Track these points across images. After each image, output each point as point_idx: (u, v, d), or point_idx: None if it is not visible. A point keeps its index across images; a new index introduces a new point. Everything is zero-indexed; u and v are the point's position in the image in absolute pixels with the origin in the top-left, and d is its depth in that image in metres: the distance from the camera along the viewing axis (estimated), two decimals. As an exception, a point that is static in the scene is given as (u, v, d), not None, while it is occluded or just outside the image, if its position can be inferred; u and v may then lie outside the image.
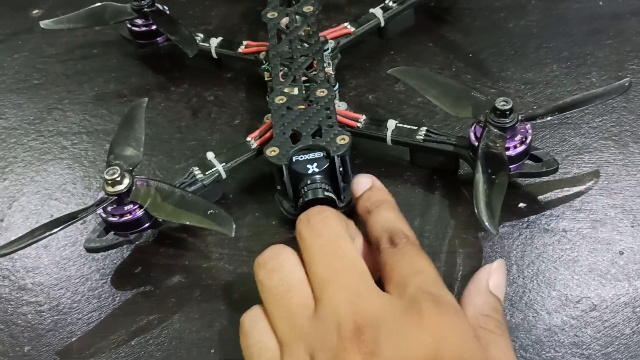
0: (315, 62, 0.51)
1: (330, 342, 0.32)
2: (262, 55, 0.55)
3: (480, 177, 0.42)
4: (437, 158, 0.49)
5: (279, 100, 0.48)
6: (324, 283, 0.35)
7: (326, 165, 0.44)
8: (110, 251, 0.47)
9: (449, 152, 0.47)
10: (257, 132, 0.49)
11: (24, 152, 0.57)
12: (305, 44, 0.53)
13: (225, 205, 0.49)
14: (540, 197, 0.47)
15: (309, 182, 0.44)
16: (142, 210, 0.44)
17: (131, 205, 0.44)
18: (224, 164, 0.48)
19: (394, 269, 0.36)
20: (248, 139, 0.49)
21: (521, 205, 0.47)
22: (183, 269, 0.47)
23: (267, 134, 0.48)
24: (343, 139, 0.45)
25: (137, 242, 0.47)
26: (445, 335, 0.32)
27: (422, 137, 0.47)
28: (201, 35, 0.59)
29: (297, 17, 0.55)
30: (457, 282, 0.43)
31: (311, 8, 0.55)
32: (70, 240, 0.49)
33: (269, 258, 0.37)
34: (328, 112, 0.47)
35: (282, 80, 0.50)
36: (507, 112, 0.43)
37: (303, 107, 0.48)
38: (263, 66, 0.54)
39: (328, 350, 0.32)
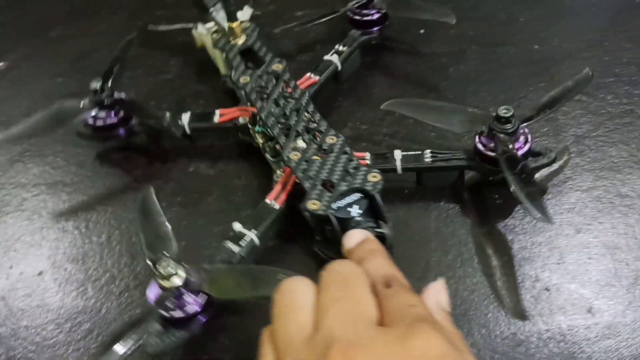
0: (309, 113, 0.53)
1: None
2: (242, 120, 0.56)
3: (513, 179, 0.45)
4: (445, 175, 0.52)
5: (294, 156, 0.49)
6: (325, 309, 0.36)
7: (367, 205, 0.46)
8: (65, 300, 0.49)
9: (458, 166, 0.51)
10: (274, 193, 0.50)
11: (-15, 205, 0.59)
12: (290, 100, 0.54)
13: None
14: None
15: (353, 224, 0.45)
16: (203, 297, 0.43)
17: (191, 295, 0.43)
18: (253, 230, 0.48)
19: (391, 305, 0.37)
20: (267, 201, 0.49)
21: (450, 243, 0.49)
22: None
23: (286, 190, 0.50)
24: (374, 177, 0.47)
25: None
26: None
27: (430, 159, 0.51)
28: (168, 113, 0.59)
29: (268, 76, 0.56)
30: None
31: (280, 66, 0.57)
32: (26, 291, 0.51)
33: (287, 284, 0.38)
34: (347, 155, 0.49)
35: (286, 137, 0.51)
36: (510, 118, 0.48)
37: (319, 157, 0.49)
38: (257, 128, 0.55)
39: None
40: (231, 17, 0.60)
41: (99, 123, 0.58)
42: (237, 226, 0.48)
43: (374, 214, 0.46)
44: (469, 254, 0.49)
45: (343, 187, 0.46)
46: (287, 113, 0.53)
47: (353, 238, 0.45)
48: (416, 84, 0.63)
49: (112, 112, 0.58)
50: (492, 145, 0.49)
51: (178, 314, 0.43)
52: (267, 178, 0.54)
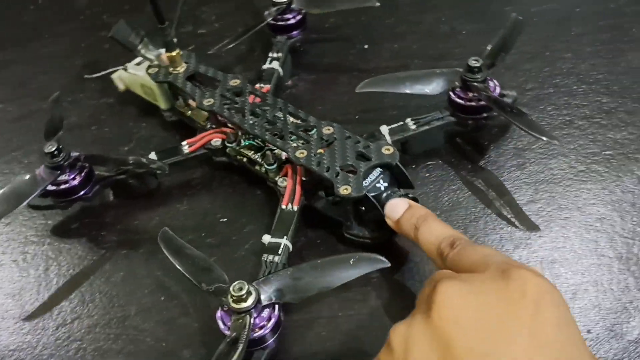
0: (292, 113, 0.54)
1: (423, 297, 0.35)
2: (216, 143, 0.56)
3: (510, 115, 0.50)
4: (431, 138, 0.55)
5: (301, 154, 0.50)
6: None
7: (390, 176, 0.48)
8: (1, 337, 0.48)
9: (441, 125, 0.54)
10: (286, 197, 0.50)
11: None
12: (265, 107, 0.54)
13: (114, 282, 0.51)
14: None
15: (385, 197, 0.47)
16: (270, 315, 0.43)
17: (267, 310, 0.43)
18: (285, 237, 0.48)
19: (468, 261, 0.37)
20: (284, 206, 0.50)
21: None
22: (71, 352, 0.48)
23: (298, 191, 0.51)
24: (388, 149, 0.48)
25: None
26: (545, 300, 0.32)
27: (414, 126, 0.54)
28: (132, 157, 0.55)
29: (230, 93, 0.56)
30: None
31: (238, 81, 0.57)
32: None
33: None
34: (351, 138, 0.50)
35: (281, 139, 0.51)
36: (481, 67, 0.53)
37: (322, 150, 0.50)
38: (246, 142, 0.55)
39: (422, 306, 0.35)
40: (169, 47, 0.58)
41: (64, 187, 0.53)
42: (267, 238, 0.49)
43: (397, 182, 0.49)
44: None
45: (364, 167, 0.47)
46: (270, 119, 0.53)
47: (398, 207, 0.46)
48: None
49: (75, 172, 0.53)
50: (470, 96, 0.53)
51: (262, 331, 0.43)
52: (258, 190, 0.56)
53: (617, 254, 0.48)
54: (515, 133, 0.57)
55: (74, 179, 0.53)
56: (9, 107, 0.70)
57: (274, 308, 0.43)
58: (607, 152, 0.55)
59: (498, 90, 0.54)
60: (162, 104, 0.62)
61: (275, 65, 0.63)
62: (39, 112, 0.68)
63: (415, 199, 0.48)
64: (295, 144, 0.51)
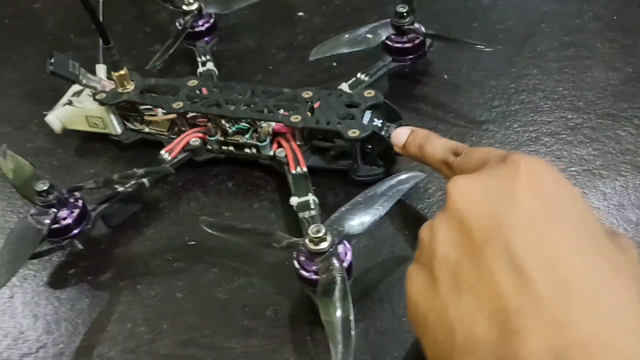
0: (263, 91, 0.57)
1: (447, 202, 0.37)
2: (195, 142, 0.57)
3: (452, 40, 0.64)
4: (381, 85, 0.62)
5: (295, 119, 0.54)
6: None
7: (381, 114, 0.54)
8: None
9: (388, 70, 0.62)
10: (292, 163, 0.55)
11: None
12: (234, 94, 0.57)
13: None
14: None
15: (384, 130, 0.53)
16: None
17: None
18: (310, 194, 0.52)
19: (471, 162, 0.42)
20: (293, 171, 0.54)
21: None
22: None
23: (299, 154, 0.55)
24: (369, 93, 0.55)
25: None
26: (537, 168, 0.35)
27: (367, 78, 0.61)
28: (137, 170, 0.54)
29: (193, 92, 0.58)
30: None
31: (195, 80, 0.59)
32: None
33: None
34: (332, 94, 0.56)
35: (270, 114, 0.55)
36: (408, 11, 0.60)
37: (310, 113, 0.54)
38: (234, 128, 0.57)
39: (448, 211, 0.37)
40: (117, 66, 0.58)
41: (62, 224, 0.50)
42: (294, 199, 0.52)
43: (389, 117, 0.55)
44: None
45: (358, 111, 0.53)
46: (247, 102, 0.56)
47: (402, 134, 0.52)
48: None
49: (70, 207, 0.51)
50: (405, 39, 0.62)
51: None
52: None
53: (583, 271, 0.48)
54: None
55: (71, 213, 0.51)
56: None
57: (345, 244, 0.47)
58: (572, 169, 0.55)
59: (423, 29, 0.62)
60: (115, 129, 0.61)
61: (210, 66, 0.66)
62: (2, 135, 0.67)
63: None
64: (285, 113, 0.55)
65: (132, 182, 0.54)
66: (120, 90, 0.59)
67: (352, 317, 0.41)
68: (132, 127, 0.61)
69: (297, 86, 0.64)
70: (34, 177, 0.51)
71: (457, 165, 0.45)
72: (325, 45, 0.63)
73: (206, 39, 0.70)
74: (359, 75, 0.61)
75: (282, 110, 0.55)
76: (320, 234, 0.44)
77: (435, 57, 0.67)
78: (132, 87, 0.59)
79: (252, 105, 0.56)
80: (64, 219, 0.51)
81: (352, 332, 0.40)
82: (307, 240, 0.44)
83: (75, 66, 0.58)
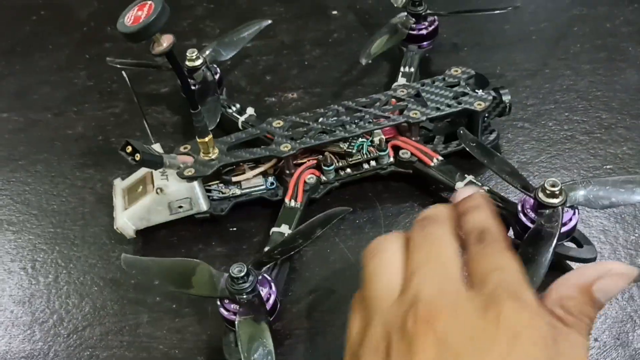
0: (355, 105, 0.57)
1: (405, 323, 0.32)
2: (311, 180, 0.55)
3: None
4: None
5: (414, 114, 0.55)
6: (414, 270, 0.35)
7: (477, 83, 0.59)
8: (12, 344, 0.48)
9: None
10: (424, 156, 0.55)
11: None
12: (330, 118, 0.56)
13: (126, 288, 0.51)
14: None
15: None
16: None
17: None
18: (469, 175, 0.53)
19: (478, 265, 0.35)
20: (434, 161, 0.54)
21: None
22: (84, 359, 0.48)
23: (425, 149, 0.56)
24: (456, 70, 0.59)
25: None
26: (521, 336, 0.31)
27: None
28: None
29: (288, 132, 0.55)
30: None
31: (280, 121, 0.56)
32: None
33: (376, 244, 0.38)
34: (422, 84, 0.58)
35: (387, 120, 0.55)
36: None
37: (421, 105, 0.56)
38: (355, 146, 0.56)
39: (402, 331, 0.32)
40: (203, 133, 0.52)
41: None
42: (460, 184, 0.53)
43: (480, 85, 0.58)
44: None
45: (464, 88, 0.57)
46: (349, 120, 0.56)
47: (461, 194, 0.42)
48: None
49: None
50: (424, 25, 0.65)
51: None
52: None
53: (621, 265, 0.49)
54: (518, 147, 0.58)
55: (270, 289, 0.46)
56: (13, 116, 0.69)
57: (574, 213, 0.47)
58: (608, 167, 0.56)
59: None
60: (202, 206, 0.54)
61: (251, 111, 0.62)
62: (43, 122, 0.68)
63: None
64: (396, 114, 0.55)
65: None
66: (207, 158, 0.53)
67: None
68: (220, 195, 0.55)
69: (334, 82, 0.67)
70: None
71: (470, 252, 0.37)
72: (369, 47, 0.62)
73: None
74: (402, 69, 0.63)
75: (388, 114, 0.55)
76: (555, 189, 0.45)
77: (470, 58, 0.68)
78: (217, 152, 0.53)
79: (360, 120, 0.55)
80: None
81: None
82: (539, 191, 0.45)
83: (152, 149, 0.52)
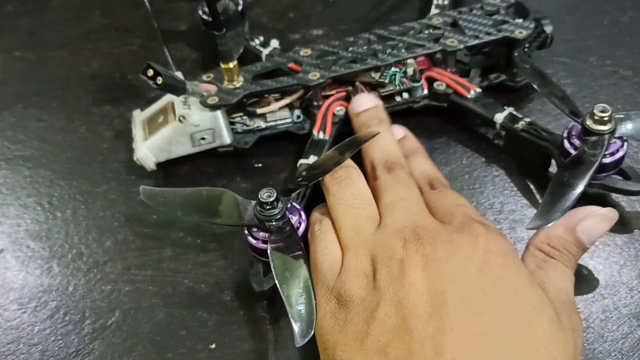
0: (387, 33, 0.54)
1: (391, 246, 0.35)
2: (340, 112, 0.51)
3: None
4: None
5: (451, 42, 0.52)
6: (389, 205, 0.39)
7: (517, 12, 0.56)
8: (29, 279, 0.46)
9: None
10: (460, 88, 0.51)
11: (-62, 183, 0.55)
12: (362, 47, 0.53)
13: (148, 224, 0.49)
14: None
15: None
16: None
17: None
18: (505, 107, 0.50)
19: (440, 205, 0.40)
20: (472, 92, 0.51)
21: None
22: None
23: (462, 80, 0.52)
24: (520, 32, 0.52)
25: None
26: (493, 249, 0.35)
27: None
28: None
29: (317, 60, 0.52)
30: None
31: (309, 51, 0.53)
32: None
33: (344, 176, 0.41)
34: (459, 12, 0.55)
35: (421, 48, 0.52)
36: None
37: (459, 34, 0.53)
38: (387, 76, 0.52)
39: (389, 253, 0.35)
40: (228, 58, 0.49)
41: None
42: (499, 116, 0.50)
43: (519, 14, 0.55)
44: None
45: (503, 17, 0.54)
46: (382, 49, 0.52)
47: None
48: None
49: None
50: None
51: None
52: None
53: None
54: (559, 82, 0.55)
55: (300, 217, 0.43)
56: (26, 54, 0.67)
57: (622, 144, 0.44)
58: (654, 103, 0.53)
59: None
60: (226, 139, 0.51)
61: (275, 44, 0.59)
62: (57, 59, 0.65)
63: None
64: (431, 44, 0.52)
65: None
66: (231, 86, 0.50)
67: None
68: (244, 128, 0.52)
69: (362, 19, 0.64)
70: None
71: (426, 198, 0.41)
72: None
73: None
74: (435, 1, 0.60)
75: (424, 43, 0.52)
76: (605, 115, 0.42)
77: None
78: (242, 80, 0.51)
79: (393, 48, 0.52)
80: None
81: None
82: (588, 117, 0.43)
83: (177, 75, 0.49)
